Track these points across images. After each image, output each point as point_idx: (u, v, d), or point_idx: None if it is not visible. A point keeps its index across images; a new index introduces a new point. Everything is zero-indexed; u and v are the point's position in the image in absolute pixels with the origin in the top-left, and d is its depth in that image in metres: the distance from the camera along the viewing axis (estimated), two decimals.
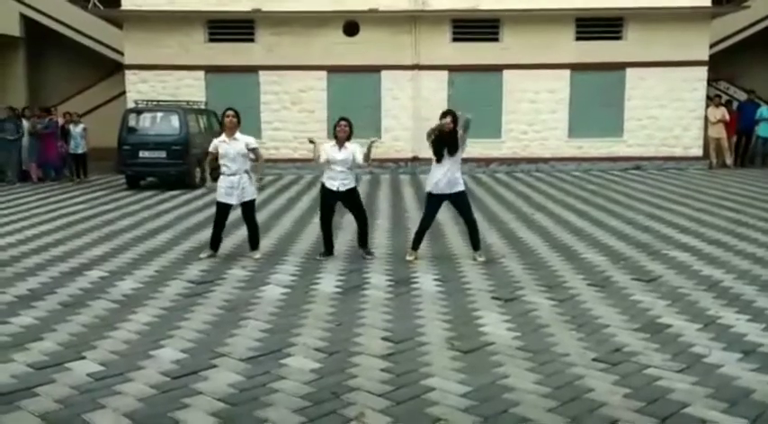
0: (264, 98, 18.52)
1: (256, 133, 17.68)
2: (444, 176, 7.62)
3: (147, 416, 3.90)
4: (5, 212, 11.74)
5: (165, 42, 18.23)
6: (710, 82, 19.16)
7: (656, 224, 10.16)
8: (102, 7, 20.02)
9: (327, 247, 8.06)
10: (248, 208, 8.02)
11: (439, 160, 7.63)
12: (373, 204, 12.52)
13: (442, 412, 3.92)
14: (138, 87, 18.24)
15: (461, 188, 7.77)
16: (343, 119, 7.90)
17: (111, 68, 20.75)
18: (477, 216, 10.94)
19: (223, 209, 7.98)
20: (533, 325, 5.49)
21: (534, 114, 18.59)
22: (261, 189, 8.16)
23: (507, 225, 10.21)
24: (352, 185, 7.95)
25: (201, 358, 4.78)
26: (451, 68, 18.36)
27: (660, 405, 3.99)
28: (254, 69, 18.35)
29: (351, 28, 18.35)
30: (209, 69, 18.36)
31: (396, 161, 18.37)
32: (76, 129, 16.21)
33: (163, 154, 14.83)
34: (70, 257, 8.14)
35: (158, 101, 16.39)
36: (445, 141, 7.57)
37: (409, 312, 5.88)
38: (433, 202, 7.85)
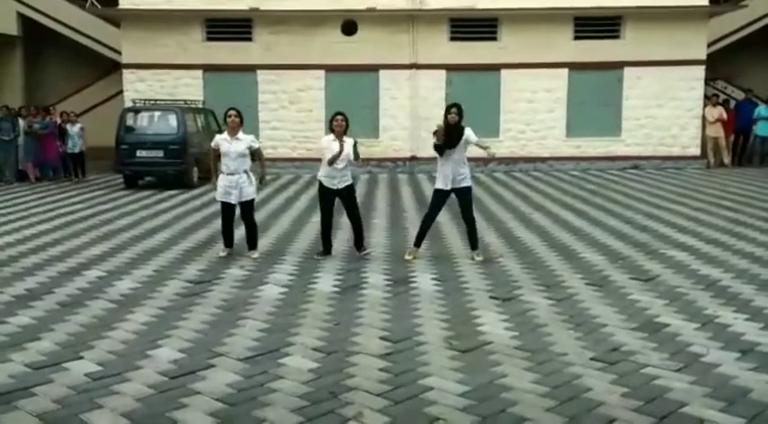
0: (262, 97, 18.50)
1: (254, 132, 17.52)
2: (452, 170, 7.59)
3: (144, 416, 3.89)
4: (3, 212, 11.72)
5: (162, 41, 18.20)
6: (708, 81, 19.18)
7: (654, 223, 10.17)
8: (99, 6, 19.99)
9: (326, 246, 8.06)
10: (247, 208, 8.02)
11: (441, 154, 7.59)
12: (371, 203, 12.51)
13: (441, 412, 3.92)
14: (135, 86, 18.22)
15: (469, 183, 7.76)
16: (339, 113, 7.87)
17: (109, 67, 20.73)
18: (476, 215, 10.96)
19: (227, 208, 7.99)
20: (531, 325, 5.49)
21: (532, 113, 18.59)
22: (260, 189, 8.15)
23: (505, 225, 10.21)
24: (349, 182, 7.95)
25: (199, 358, 4.78)
26: (449, 67, 18.37)
27: (658, 404, 4.00)
28: (251, 68, 18.34)
29: (349, 27, 18.34)
30: (207, 68, 18.34)
31: (394, 160, 18.37)
32: (74, 129, 16.19)
33: (160, 153, 14.81)
34: (68, 257, 8.13)
35: (156, 100, 16.37)
36: (450, 134, 7.55)
37: (407, 311, 5.88)
38: (440, 197, 7.82)
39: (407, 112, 18.55)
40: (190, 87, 18.20)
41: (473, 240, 7.89)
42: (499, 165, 18.02)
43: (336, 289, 6.61)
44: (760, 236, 9.02)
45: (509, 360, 4.70)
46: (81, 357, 4.80)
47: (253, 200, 8.06)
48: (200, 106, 16.79)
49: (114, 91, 20.01)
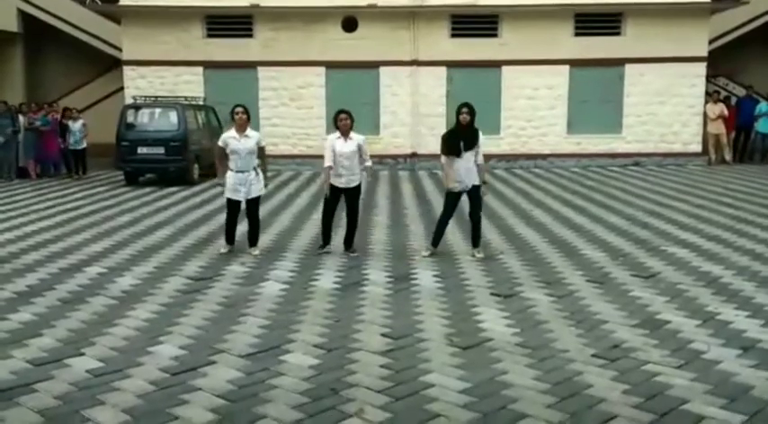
0: (263, 94, 18.47)
1: (254, 129, 17.65)
2: (466, 171, 7.56)
3: (146, 412, 3.90)
4: (4, 209, 11.73)
5: (163, 38, 18.18)
6: (709, 78, 19.14)
7: (655, 220, 10.16)
8: (100, 3, 19.97)
9: (325, 239, 8.04)
10: (253, 205, 8.02)
11: (458, 155, 7.54)
12: (372, 200, 12.50)
13: (441, 408, 3.92)
14: (136, 83, 18.20)
15: (477, 182, 7.74)
16: (343, 111, 7.82)
17: (110, 64, 20.70)
18: None
19: (234, 205, 7.98)
20: (532, 321, 5.49)
21: (533, 110, 18.56)
22: (265, 186, 8.16)
23: (506, 222, 10.21)
24: (358, 182, 7.90)
25: (200, 355, 4.78)
26: (450, 64, 18.33)
27: (659, 401, 4.00)
28: (252, 65, 18.31)
29: (349, 23, 18.31)
30: (208, 65, 18.32)
31: (394, 157, 18.35)
32: (75, 125, 16.18)
33: (161, 150, 14.80)
34: (69, 253, 8.13)
35: (157, 97, 16.37)
36: (463, 134, 7.52)
37: (408, 308, 5.88)
38: (453, 199, 7.78)
39: (408, 109, 18.53)
40: (190, 84, 18.18)
41: (476, 237, 7.87)
42: (500, 162, 18.01)
43: (337, 286, 6.61)
44: (761, 233, 9.01)
45: (510, 357, 4.70)
46: (82, 354, 4.81)
47: (259, 198, 8.07)
48: (201, 103, 16.78)
49: (115, 87, 20.00)
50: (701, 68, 18.42)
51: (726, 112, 18.19)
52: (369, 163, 8.02)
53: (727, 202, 11.75)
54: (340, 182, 7.81)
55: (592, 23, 18.27)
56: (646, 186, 14.23)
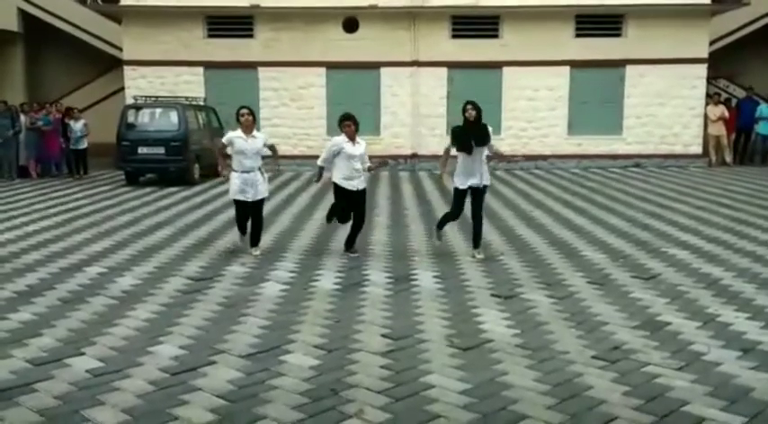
0: (263, 94, 18.49)
1: (255, 129, 17.68)
2: (475, 169, 7.55)
3: (146, 412, 3.89)
4: (4, 208, 11.72)
5: (163, 38, 18.19)
6: (710, 79, 19.15)
7: (656, 221, 10.16)
8: (100, 2, 19.96)
9: (340, 219, 8.07)
10: (259, 207, 8.03)
11: (470, 152, 7.52)
12: (372, 200, 12.49)
13: (442, 409, 3.92)
14: (136, 83, 18.21)
15: (488, 182, 7.75)
16: (348, 118, 7.81)
17: (110, 64, 20.71)
18: None
19: (242, 206, 7.98)
20: (533, 323, 5.49)
21: (533, 111, 18.57)
22: (276, 171, 8.24)
23: (506, 223, 10.21)
24: (365, 183, 7.97)
25: (200, 355, 4.78)
26: (451, 65, 18.35)
27: (659, 403, 3.99)
28: (253, 65, 18.33)
29: (350, 24, 18.32)
30: (208, 65, 18.34)
31: (395, 157, 18.33)
32: (77, 125, 16.18)
33: (162, 150, 14.81)
34: (69, 253, 8.13)
35: (157, 97, 16.37)
36: (472, 132, 7.52)
37: (409, 309, 5.87)
38: (462, 196, 7.71)
39: (408, 110, 18.54)
40: (191, 84, 18.19)
41: (477, 238, 7.86)
42: (500, 163, 17.99)
43: (338, 287, 6.61)
44: (761, 235, 9.01)
45: (510, 358, 4.70)
46: (82, 354, 4.80)
47: (264, 200, 8.08)
48: (202, 103, 16.79)
49: (115, 87, 20.02)
50: (702, 70, 18.44)
51: (726, 114, 18.20)
52: (372, 164, 8.17)
53: (728, 204, 11.75)
54: (351, 185, 7.80)
55: (593, 25, 18.29)
56: (646, 187, 14.22)
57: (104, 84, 21.22)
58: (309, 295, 6.30)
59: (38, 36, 21.18)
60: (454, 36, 18.45)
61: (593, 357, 4.70)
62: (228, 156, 8.12)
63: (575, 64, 18.30)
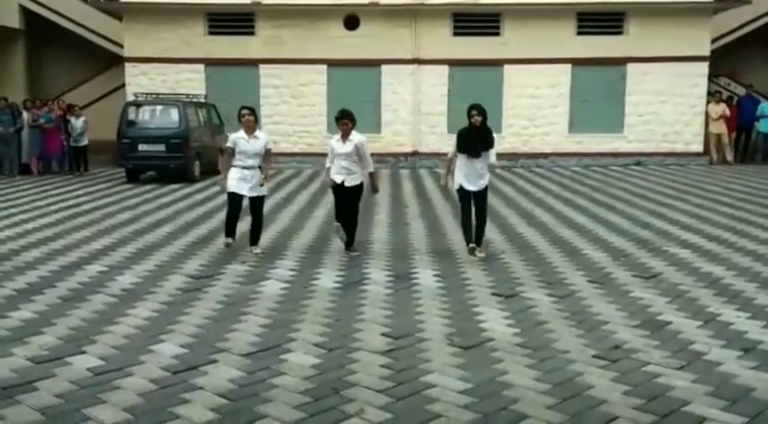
0: (264, 92, 18.48)
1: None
2: (475, 173, 7.53)
3: (146, 411, 3.90)
4: (5, 205, 11.73)
5: (164, 35, 18.18)
6: (711, 77, 19.12)
7: (657, 220, 10.15)
8: None
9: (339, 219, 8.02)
10: (259, 204, 7.98)
11: (477, 156, 7.48)
12: (373, 198, 12.48)
13: (442, 409, 3.92)
14: (137, 80, 18.21)
15: (487, 183, 7.72)
16: (345, 115, 7.81)
17: (111, 61, 20.69)
18: None
19: (236, 200, 7.89)
20: (533, 322, 5.49)
21: (535, 109, 18.55)
22: (263, 183, 8.08)
23: (507, 221, 10.21)
24: (358, 181, 7.87)
25: (201, 353, 4.78)
26: (452, 63, 18.33)
27: (660, 402, 3.99)
28: (254, 63, 18.32)
29: (351, 22, 18.30)
30: (209, 62, 18.33)
31: (396, 155, 18.34)
32: (78, 122, 16.18)
33: (162, 147, 14.80)
34: (70, 251, 8.13)
35: (158, 94, 16.36)
36: (478, 135, 7.48)
37: (409, 308, 5.87)
38: (466, 196, 7.67)
39: (409, 107, 18.53)
40: (192, 81, 18.19)
41: (479, 238, 7.84)
42: (501, 161, 17.93)
43: (338, 285, 6.61)
44: (762, 234, 9.00)
45: (511, 357, 4.70)
46: (83, 352, 4.81)
47: (264, 197, 8.04)
48: (202, 100, 16.78)
49: (116, 84, 20.00)
50: (703, 68, 18.41)
51: (727, 112, 18.18)
52: (370, 169, 7.93)
53: (729, 202, 11.74)
54: (338, 179, 7.84)
55: (594, 22, 18.27)
56: (647, 186, 14.21)
57: (105, 81, 21.20)
58: (310, 294, 6.30)
59: (39, 33, 21.16)
60: (455, 34, 18.43)
61: (594, 357, 4.70)
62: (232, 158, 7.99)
63: (576, 62, 18.27)
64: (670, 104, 18.53)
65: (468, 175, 7.58)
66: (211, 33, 18.44)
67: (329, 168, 7.94)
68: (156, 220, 10.36)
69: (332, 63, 18.29)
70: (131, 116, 15.29)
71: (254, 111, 7.88)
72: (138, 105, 15.56)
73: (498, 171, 16.96)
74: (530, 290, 6.40)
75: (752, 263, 7.39)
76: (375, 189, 8.30)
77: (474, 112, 7.44)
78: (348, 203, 7.95)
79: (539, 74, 18.35)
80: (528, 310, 5.80)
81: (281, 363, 4.61)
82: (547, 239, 8.83)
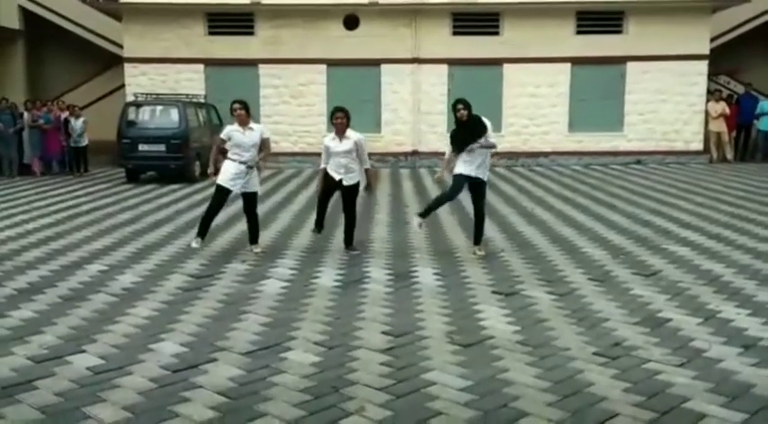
0: (264, 91, 18.49)
1: None
2: (474, 161, 7.50)
3: (146, 409, 3.90)
4: (5, 206, 11.73)
5: (164, 35, 18.19)
6: (711, 76, 19.13)
7: (657, 218, 10.15)
8: (101, 0, 19.96)
9: (319, 222, 7.99)
10: (251, 200, 7.91)
11: (470, 150, 7.47)
12: (373, 198, 12.49)
13: (442, 406, 3.92)
14: (137, 80, 18.21)
15: (486, 176, 7.69)
16: (339, 109, 7.75)
17: (111, 61, 20.70)
18: None
19: (223, 194, 7.79)
20: (533, 319, 5.49)
21: (534, 108, 18.55)
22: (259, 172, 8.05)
23: (507, 219, 10.21)
24: (355, 180, 7.82)
25: (201, 352, 4.78)
26: (451, 62, 18.34)
27: (660, 399, 3.99)
28: (253, 63, 18.32)
29: (351, 21, 18.31)
30: (209, 62, 18.33)
31: (395, 155, 18.34)
32: (77, 123, 16.18)
33: (162, 147, 14.81)
34: (70, 250, 8.14)
35: (158, 94, 16.37)
36: (466, 130, 7.47)
37: (409, 306, 5.87)
38: (461, 182, 7.61)
39: (409, 107, 18.53)
40: (191, 81, 18.19)
41: (478, 234, 7.83)
42: (501, 160, 18.00)
43: (338, 284, 6.61)
44: (762, 231, 9.00)
45: (511, 355, 4.70)
46: (83, 351, 4.81)
47: (256, 193, 7.99)
48: (202, 100, 16.78)
49: (116, 85, 20.01)
50: (703, 66, 18.41)
51: (727, 111, 18.19)
52: (367, 165, 7.90)
53: (729, 200, 11.74)
54: (335, 176, 7.73)
55: (593, 21, 18.27)
56: (647, 184, 14.21)
57: (105, 82, 21.21)
58: (310, 293, 6.30)
59: (39, 33, 21.17)
60: (455, 33, 18.44)
61: (594, 354, 4.70)
62: (224, 153, 7.92)
63: (575, 61, 18.27)
64: (670, 103, 18.53)
65: (466, 164, 7.52)
66: (211, 33, 18.45)
67: (324, 169, 7.80)
68: (157, 220, 10.36)
69: (331, 63, 18.30)
70: (131, 116, 15.30)
71: (245, 105, 7.75)
72: (137, 105, 15.57)
73: (498, 170, 17.02)
74: (530, 288, 6.40)
75: (752, 261, 7.39)
76: (370, 188, 8.19)
77: (459, 106, 7.42)
78: (345, 201, 7.92)
79: (538, 73, 18.36)
80: (528, 308, 5.80)
81: (281, 361, 4.61)
82: (547, 237, 8.83)
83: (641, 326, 5.28)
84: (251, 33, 18.44)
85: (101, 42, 20.90)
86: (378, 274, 6.95)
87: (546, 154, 18.55)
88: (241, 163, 7.72)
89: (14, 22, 20.70)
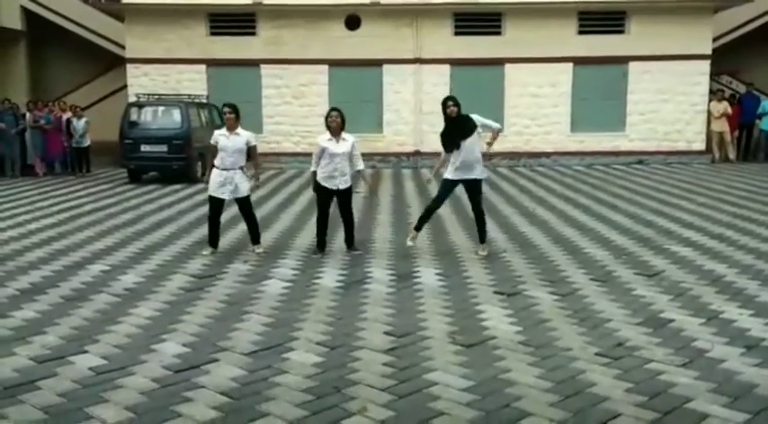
0: (266, 92, 18.49)
1: (258, 127, 17.69)
2: (469, 162, 7.50)
3: (149, 409, 3.90)
4: (8, 206, 11.75)
5: (166, 36, 18.20)
6: (713, 76, 19.11)
7: (659, 218, 10.14)
8: (103, 0, 19.98)
9: (320, 245, 7.93)
10: (244, 205, 7.90)
11: (458, 147, 7.47)
12: (375, 198, 12.49)
13: (445, 406, 3.92)
14: (139, 81, 18.22)
15: (481, 175, 7.66)
16: (333, 109, 7.78)
17: (113, 62, 20.72)
18: None
19: (216, 204, 7.86)
20: (535, 320, 5.49)
21: (536, 108, 18.54)
22: (256, 188, 8.05)
23: (509, 220, 10.20)
24: (349, 183, 7.80)
25: (203, 352, 4.78)
26: (453, 62, 18.33)
27: (662, 400, 3.99)
28: (255, 63, 18.32)
29: (352, 21, 18.31)
30: (211, 63, 18.34)
31: (398, 155, 18.34)
32: (80, 123, 16.20)
33: (164, 148, 14.81)
34: (72, 251, 8.15)
35: (160, 94, 16.38)
36: (455, 127, 7.48)
37: (411, 306, 5.87)
38: (449, 186, 7.71)
39: (411, 107, 18.53)
40: (194, 82, 18.20)
41: (482, 232, 7.82)
42: (503, 160, 17.99)
43: (340, 284, 6.61)
44: (765, 232, 8.99)
45: (513, 355, 4.70)
46: (86, 351, 4.81)
47: (248, 197, 7.96)
48: (204, 101, 16.79)
49: (118, 85, 20.03)
50: (705, 66, 18.39)
51: (729, 110, 18.16)
52: (361, 167, 7.85)
53: (731, 200, 11.73)
54: (332, 184, 7.69)
55: (595, 21, 18.26)
56: (649, 184, 14.20)
57: (107, 82, 21.23)
58: (312, 293, 6.30)
59: (41, 34, 21.20)
60: (457, 33, 18.43)
61: (596, 354, 4.70)
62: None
63: (577, 61, 18.26)
64: (672, 103, 18.52)
65: (459, 166, 7.53)
66: (213, 34, 18.45)
67: (315, 173, 7.75)
68: (159, 220, 10.37)
69: (333, 63, 18.30)
70: (133, 117, 15.31)
71: (235, 109, 7.73)
72: (140, 106, 15.58)
73: (500, 170, 17.01)
74: (532, 288, 6.40)
75: (754, 261, 7.38)
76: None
77: (450, 103, 7.47)
78: (342, 206, 7.86)
79: (540, 73, 18.34)
80: (530, 308, 5.80)
81: (283, 361, 4.61)
82: (549, 237, 8.82)
83: (643, 326, 5.28)
84: (253, 34, 18.44)
85: (103, 43, 20.92)
86: (380, 274, 6.95)
87: (548, 155, 18.53)
88: (223, 169, 7.71)
89: (16, 23, 20.73)
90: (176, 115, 15.05)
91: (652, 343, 4.91)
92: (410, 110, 18.53)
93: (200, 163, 15.24)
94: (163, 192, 13.62)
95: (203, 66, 18.39)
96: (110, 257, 7.81)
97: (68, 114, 16.60)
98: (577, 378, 4.30)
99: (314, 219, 10.13)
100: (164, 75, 18.34)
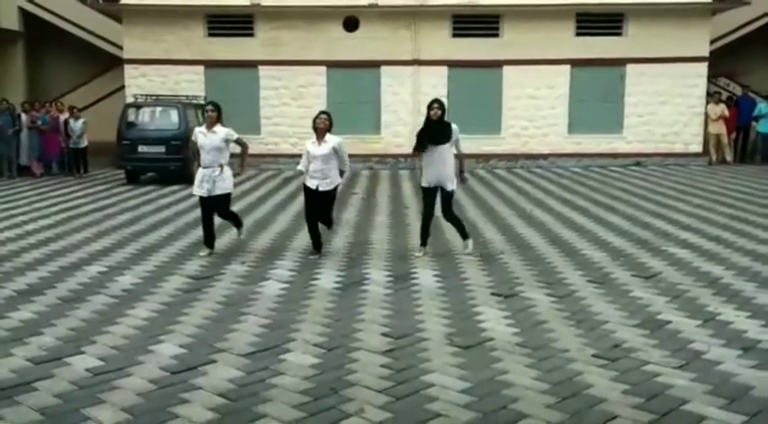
0: (264, 93, 18.48)
1: (255, 128, 17.70)
2: (436, 171, 7.55)
3: (146, 411, 3.90)
4: (5, 207, 11.73)
5: (164, 37, 18.19)
6: (710, 78, 19.14)
7: (656, 220, 10.16)
8: (101, 1, 19.96)
9: (316, 246, 7.92)
10: (221, 202, 7.87)
11: (425, 150, 7.51)
12: (372, 199, 12.50)
13: (442, 408, 3.92)
14: (137, 82, 18.20)
15: (452, 187, 7.66)
16: (323, 112, 7.84)
17: (111, 63, 20.71)
18: (476, 211, 10.97)
19: (201, 202, 7.94)
20: (533, 321, 5.49)
21: (534, 110, 18.56)
22: (237, 175, 8.07)
23: (506, 221, 10.21)
24: (332, 185, 7.74)
25: (201, 354, 4.78)
26: (451, 64, 18.34)
27: (659, 401, 3.99)
28: (253, 64, 18.32)
29: (351, 23, 18.32)
30: (209, 64, 18.33)
31: (395, 156, 18.33)
32: (77, 124, 16.18)
33: (162, 149, 14.80)
34: (69, 252, 8.13)
35: (158, 95, 16.37)
36: (431, 129, 7.50)
37: (409, 308, 5.88)
38: (429, 195, 7.76)
39: (409, 108, 18.52)
40: (191, 83, 18.18)
41: (461, 232, 7.88)
42: (500, 162, 17.99)
43: (338, 286, 6.61)
44: (762, 233, 9.01)
45: (510, 357, 4.70)
46: (82, 352, 4.81)
47: (228, 195, 7.95)
48: (202, 102, 16.75)
49: (116, 86, 20.02)
50: (703, 68, 18.42)
51: (727, 113, 18.20)
52: (344, 169, 7.87)
53: (728, 202, 11.74)
54: (312, 184, 7.71)
55: (593, 23, 18.28)
56: (647, 186, 14.21)
57: (105, 83, 21.23)
58: (309, 294, 6.30)
59: (38, 35, 21.18)
60: (455, 35, 18.44)
61: (594, 356, 4.71)
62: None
63: (575, 62, 18.28)
64: (669, 105, 18.54)
65: (429, 172, 7.59)
66: (211, 35, 18.45)
67: (302, 172, 7.82)
68: (156, 221, 10.36)
69: (331, 64, 18.30)
70: (131, 117, 15.29)
71: (217, 107, 7.81)
72: (137, 107, 15.57)
73: (498, 171, 17.03)
74: (529, 290, 6.40)
75: (751, 263, 7.40)
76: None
77: (436, 105, 7.56)
78: (320, 206, 7.80)
79: (538, 75, 18.36)
80: (527, 310, 5.80)
81: (280, 363, 4.61)
82: (546, 239, 8.83)
83: (640, 328, 5.28)
84: (251, 35, 18.44)
85: (101, 43, 20.91)
86: (377, 276, 6.96)
87: (545, 156, 18.54)
88: (204, 167, 7.76)
89: (14, 24, 20.71)
90: (174, 116, 15.05)
91: (649, 345, 4.92)
92: (408, 112, 18.53)
93: (196, 163, 15.24)
94: (160, 193, 13.61)
95: (201, 67, 18.38)
96: (107, 258, 7.80)
97: (66, 115, 16.58)
98: (574, 380, 4.31)
99: None
100: (162, 76, 18.32)
